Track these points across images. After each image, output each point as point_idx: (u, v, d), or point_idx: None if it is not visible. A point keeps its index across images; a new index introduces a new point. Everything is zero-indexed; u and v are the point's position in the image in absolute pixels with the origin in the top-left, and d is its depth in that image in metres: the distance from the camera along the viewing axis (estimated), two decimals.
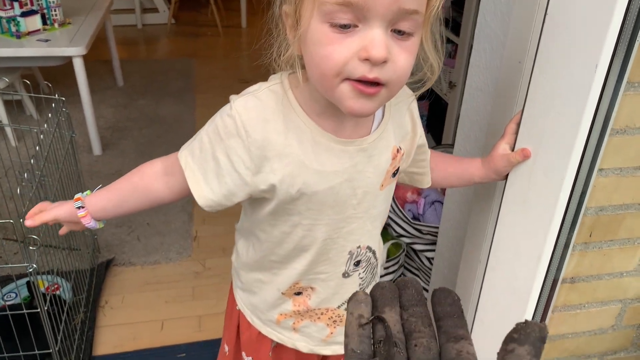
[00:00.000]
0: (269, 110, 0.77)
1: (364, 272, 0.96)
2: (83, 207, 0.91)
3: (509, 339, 0.32)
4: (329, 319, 1.00)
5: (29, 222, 0.94)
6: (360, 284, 0.97)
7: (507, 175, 0.93)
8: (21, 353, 1.47)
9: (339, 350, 1.06)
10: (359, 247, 0.91)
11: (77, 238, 1.94)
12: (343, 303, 0.98)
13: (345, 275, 0.94)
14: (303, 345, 1.03)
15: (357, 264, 0.93)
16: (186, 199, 2.46)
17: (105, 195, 0.92)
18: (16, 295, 1.83)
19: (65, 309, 1.63)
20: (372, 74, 0.65)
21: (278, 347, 1.07)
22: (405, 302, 0.37)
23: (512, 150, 0.90)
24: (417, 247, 1.67)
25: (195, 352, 1.77)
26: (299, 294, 0.97)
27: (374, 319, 0.36)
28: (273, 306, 0.99)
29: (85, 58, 2.60)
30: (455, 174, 0.99)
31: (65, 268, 1.74)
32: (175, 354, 1.76)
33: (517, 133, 0.89)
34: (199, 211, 2.40)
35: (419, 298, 0.38)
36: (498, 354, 0.32)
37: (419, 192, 1.69)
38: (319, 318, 0.99)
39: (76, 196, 0.92)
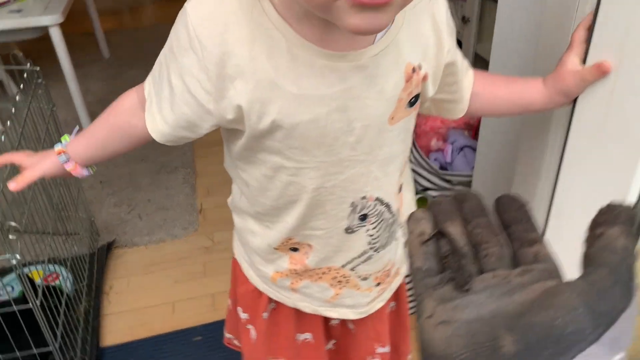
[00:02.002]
0: (229, 12, 0.60)
1: (374, 228, 0.80)
2: (69, 160, 0.83)
3: (595, 224, 0.30)
4: (332, 279, 0.86)
5: (12, 186, 0.84)
6: (370, 243, 0.81)
7: (576, 99, 0.74)
8: (18, 354, 1.32)
9: (348, 313, 0.92)
10: (363, 197, 0.75)
11: (73, 221, 1.78)
12: (349, 262, 0.83)
13: (349, 230, 0.78)
14: (305, 305, 0.91)
15: (363, 218, 0.77)
16: (188, 170, 2.26)
17: (86, 142, 0.83)
18: (12, 289, 1.68)
19: (64, 300, 1.48)
20: None
21: (276, 308, 0.95)
22: (467, 214, 0.35)
23: (584, 64, 0.71)
24: None
25: (212, 333, 1.63)
26: (295, 249, 0.82)
27: (436, 234, 0.35)
28: (267, 261, 0.86)
29: (67, 31, 2.40)
30: (508, 100, 0.80)
31: (63, 255, 1.59)
32: (190, 338, 1.61)
33: (588, 41, 0.70)
34: (202, 182, 2.23)
35: (481, 209, 0.36)
36: (586, 241, 0.29)
37: (444, 138, 1.51)
38: (320, 278, 0.86)
39: (56, 148, 0.83)
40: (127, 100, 0.78)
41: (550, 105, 0.76)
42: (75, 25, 2.73)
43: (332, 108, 0.64)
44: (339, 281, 0.87)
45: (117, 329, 1.65)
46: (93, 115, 2.71)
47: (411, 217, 0.35)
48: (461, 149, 1.46)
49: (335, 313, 0.93)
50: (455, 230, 0.34)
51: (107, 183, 2.26)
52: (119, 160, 2.34)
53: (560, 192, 0.81)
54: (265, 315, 0.97)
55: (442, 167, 1.49)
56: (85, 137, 0.83)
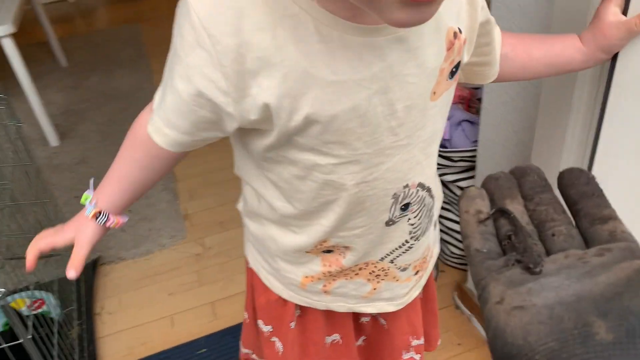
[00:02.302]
0: None
1: (415, 216, 0.73)
2: (108, 217, 0.73)
3: None
4: (369, 273, 0.79)
5: (72, 274, 0.74)
6: (411, 232, 0.75)
7: (616, 54, 0.68)
8: None
9: (385, 307, 0.85)
10: (406, 186, 0.68)
11: None
12: (388, 254, 0.76)
13: (390, 223, 0.71)
14: (339, 305, 0.84)
15: (405, 207, 0.70)
16: (167, 175, 2.15)
17: (118, 188, 0.73)
18: None
19: (56, 329, 1.37)
20: None
21: (302, 314, 0.88)
22: (528, 190, 0.33)
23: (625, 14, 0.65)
24: (447, 177, 1.44)
25: (216, 343, 1.54)
26: (329, 251, 0.75)
27: (495, 213, 0.32)
28: (295, 265, 0.78)
29: (19, 42, 2.26)
30: (543, 61, 0.72)
31: (46, 279, 1.48)
32: (194, 351, 1.53)
33: None
34: (183, 187, 2.12)
35: (543, 184, 0.33)
36: None
37: None
38: (356, 274, 0.79)
39: (89, 212, 0.73)
40: (143, 127, 0.67)
41: (590, 64, 0.70)
42: (26, 35, 2.58)
43: (373, 91, 0.56)
44: (377, 275, 0.80)
45: (115, 352, 1.55)
46: (59, 128, 2.57)
47: (464, 195, 0.33)
48: (459, 123, 1.40)
49: (372, 308, 0.86)
50: (515, 209, 0.31)
51: None
52: (91, 173, 2.20)
53: (600, 163, 0.75)
54: (292, 324, 0.89)
55: (441, 145, 1.42)
56: (115, 183, 0.73)
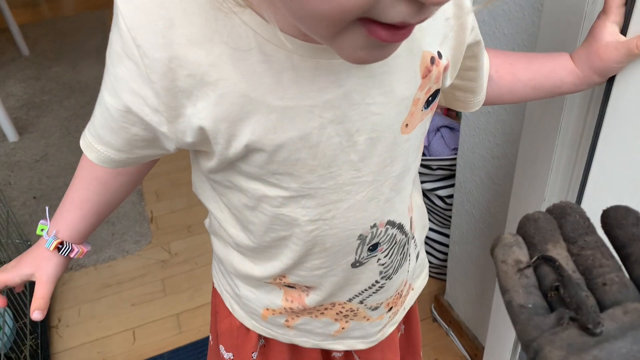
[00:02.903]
0: (175, 3, 0.43)
1: (386, 256, 0.66)
2: (71, 247, 0.67)
3: None
4: (337, 313, 0.72)
5: (38, 315, 0.67)
6: (381, 272, 0.67)
7: (612, 77, 0.60)
8: None
9: (356, 344, 0.79)
10: (373, 226, 0.60)
11: (5, 248, 1.56)
12: (356, 295, 0.69)
13: (357, 264, 0.64)
14: (304, 340, 0.77)
15: (374, 247, 0.63)
16: None
17: (79, 215, 0.67)
18: None
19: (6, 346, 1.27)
20: (418, 17, 0.34)
21: (266, 344, 0.82)
22: (570, 232, 0.29)
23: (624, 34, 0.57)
24: (426, 186, 1.37)
25: (181, 359, 1.46)
26: (291, 287, 0.68)
27: (537, 260, 0.28)
28: (255, 294, 0.72)
29: None
30: (531, 84, 0.64)
31: None
32: None
33: (626, 4, 0.56)
34: (149, 187, 2.02)
35: (587, 225, 0.29)
36: None
37: None
38: (322, 314, 0.72)
39: (49, 244, 0.66)
40: None
41: (582, 87, 0.62)
42: None
43: (327, 120, 0.48)
44: (345, 315, 0.73)
45: None
46: (18, 122, 2.44)
47: (499, 243, 0.29)
48: (437, 129, 1.32)
49: (341, 346, 0.79)
50: (559, 255, 0.28)
51: (42, 198, 2.02)
52: (52, 171, 2.09)
53: (590, 199, 0.68)
54: (254, 355, 0.83)
55: None
56: (75, 209, 0.66)
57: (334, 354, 0.88)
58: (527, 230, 0.30)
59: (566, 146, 0.73)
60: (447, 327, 1.44)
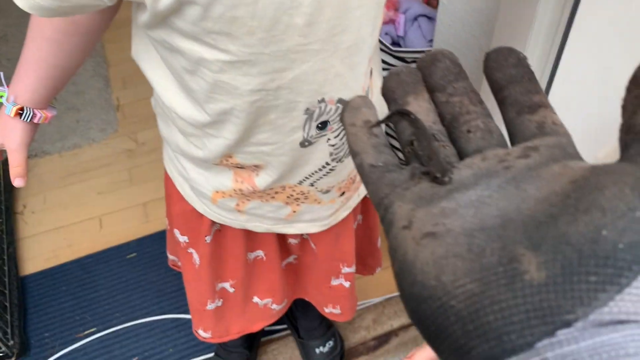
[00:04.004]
0: None
1: (336, 137, 0.64)
2: (33, 112, 0.66)
3: (636, 82, 0.20)
4: (287, 197, 0.72)
5: (20, 182, 0.71)
6: (332, 154, 0.66)
7: None
8: None
9: (308, 228, 0.80)
10: (322, 100, 0.58)
11: None
12: (306, 177, 0.68)
13: (306, 143, 0.63)
14: (255, 225, 0.78)
15: (323, 125, 0.61)
16: (97, 59, 1.92)
17: (35, 76, 0.65)
18: None
19: None
20: None
21: (221, 229, 0.83)
22: (439, 80, 0.26)
23: None
24: None
25: (148, 248, 1.47)
26: (241, 167, 0.67)
27: (392, 117, 0.27)
28: (204, 176, 0.71)
29: None
30: None
31: None
32: (124, 255, 1.45)
33: None
34: (116, 73, 1.93)
35: (457, 71, 0.27)
36: (624, 106, 0.21)
37: (395, 6, 1.28)
38: (272, 197, 0.72)
39: (9, 110, 0.66)
40: None
41: None
42: None
43: None
44: (296, 198, 0.73)
45: (38, 254, 1.46)
46: None
47: (347, 106, 0.27)
48: (415, 18, 1.24)
49: (293, 229, 0.80)
50: (421, 105, 0.26)
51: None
52: (13, 53, 1.98)
53: (571, 49, 0.63)
54: (208, 239, 0.83)
55: (394, 43, 1.28)
56: (32, 71, 0.64)
57: (289, 240, 0.88)
58: (389, 86, 0.27)
59: (540, 38, 0.68)
60: None
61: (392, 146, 0.29)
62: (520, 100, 0.25)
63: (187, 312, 1.29)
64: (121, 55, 1.98)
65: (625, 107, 0.21)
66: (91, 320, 1.33)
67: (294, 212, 0.75)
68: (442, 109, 0.26)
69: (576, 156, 0.23)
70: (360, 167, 0.25)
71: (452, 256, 0.20)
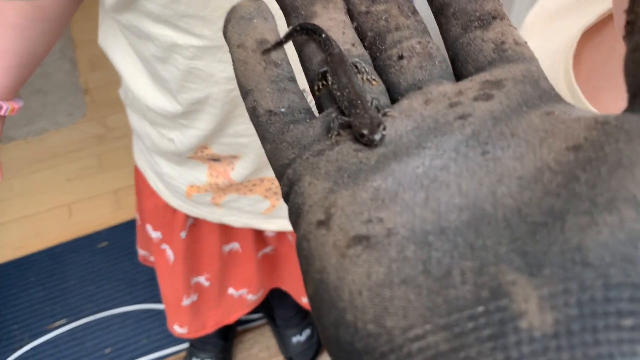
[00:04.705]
0: None
1: None
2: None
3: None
4: (266, 190, 0.70)
5: None
6: None
7: None
8: None
9: (288, 225, 0.77)
10: (302, 90, 0.54)
11: None
12: None
13: None
14: (234, 219, 0.76)
15: None
16: (63, 41, 1.85)
17: (0, 67, 0.59)
18: None
19: None
20: None
21: (195, 223, 0.81)
22: None
23: None
24: None
25: (120, 236, 1.43)
26: (216, 160, 0.65)
27: (293, 33, 0.19)
28: (177, 170, 0.69)
29: None
30: None
31: None
32: (95, 244, 1.41)
33: None
34: (84, 55, 1.86)
35: None
36: (629, 10, 0.14)
37: None
38: (250, 190, 0.70)
39: None
40: None
41: None
42: None
43: None
44: (275, 192, 0.71)
45: (4, 244, 1.42)
46: None
47: (232, 15, 0.19)
48: None
49: (272, 225, 0.78)
50: (333, 18, 0.19)
51: None
52: None
53: None
54: (183, 234, 0.81)
55: None
56: None
57: (266, 232, 0.86)
58: None
59: None
60: None
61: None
62: (467, 8, 0.18)
63: (160, 302, 1.27)
64: (88, 36, 1.89)
65: (627, 26, 0.14)
66: (62, 311, 1.29)
67: (273, 206, 0.73)
68: (362, 23, 0.19)
69: (554, 94, 0.16)
70: (253, 114, 0.18)
71: (400, 282, 0.13)
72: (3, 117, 0.66)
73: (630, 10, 0.14)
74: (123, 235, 1.43)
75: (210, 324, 0.96)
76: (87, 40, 1.90)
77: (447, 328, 0.12)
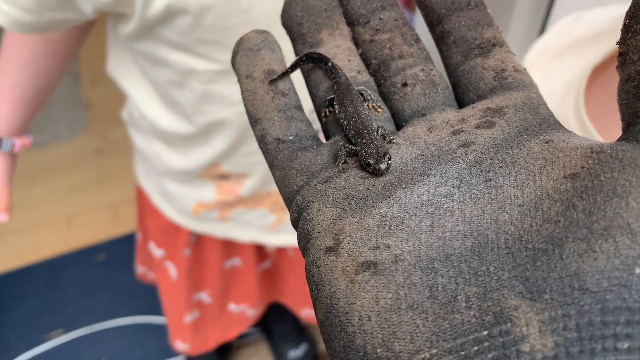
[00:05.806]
0: None
1: None
2: (13, 142, 0.63)
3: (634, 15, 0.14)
4: (273, 204, 0.72)
5: (5, 217, 0.70)
6: None
7: None
8: None
9: (293, 239, 0.79)
10: None
11: None
12: None
13: None
14: (240, 234, 0.77)
15: None
16: None
17: (12, 104, 0.61)
18: None
19: None
20: None
21: (198, 240, 0.83)
22: (360, 8, 0.19)
23: None
24: None
25: (118, 249, 1.45)
26: (225, 177, 0.67)
27: (299, 63, 0.18)
28: (185, 189, 0.70)
29: None
30: None
31: None
32: (93, 257, 1.43)
33: None
34: (86, 70, 1.90)
35: None
36: (620, 42, 0.15)
37: None
38: (257, 204, 0.72)
39: None
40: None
41: None
42: None
43: None
44: (282, 207, 0.73)
45: (4, 254, 1.43)
46: None
47: (240, 47, 0.19)
48: None
49: (277, 240, 0.79)
50: (339, 45, 0.18)
51: None
52: None
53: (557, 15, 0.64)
54: (186, 251, 0.82)
55: None
56: (7, 98, 0.61)
57: (267, 247, 0.88)
58: (292, 15, 0.19)
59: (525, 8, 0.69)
60: None
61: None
62: (467, 36, 0.18)
63: (157, 314, 1.29)
64: (91, 51, 1.93)
65: (624, 60, 0.15)
66: (59, 322, 1.30)
67: (279, 221, 0.75)
68: (367, 51, 0.19)
69: (553, 121, 0.17)
70: (262, 142, 0.18)
71: (407, 308, 0.13)
72: (16, 156, 0.67)
73: (622, 43, 0.15)
74: (121, 248, 1.44)
75: (212, 340, 0.97)
76: (90, 56, 1.93)
77: (453, 352, 0.12)
